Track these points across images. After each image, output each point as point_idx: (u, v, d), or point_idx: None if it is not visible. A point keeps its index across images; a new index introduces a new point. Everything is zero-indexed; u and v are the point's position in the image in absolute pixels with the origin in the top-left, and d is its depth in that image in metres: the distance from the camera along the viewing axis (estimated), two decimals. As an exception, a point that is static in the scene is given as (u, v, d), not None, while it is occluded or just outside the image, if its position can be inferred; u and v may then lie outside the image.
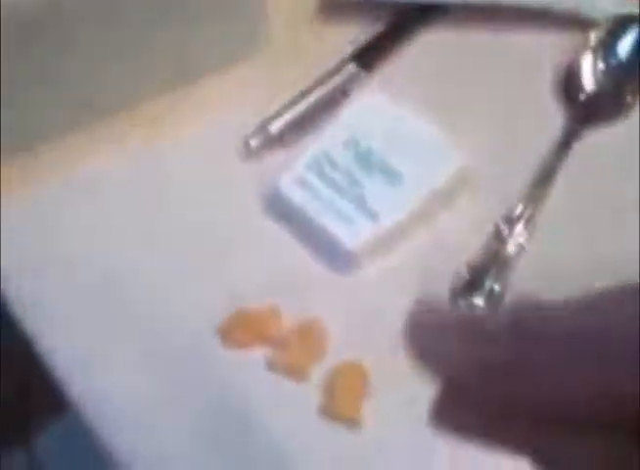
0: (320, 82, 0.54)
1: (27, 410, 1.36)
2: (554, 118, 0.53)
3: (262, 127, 0.52)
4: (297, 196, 0.50)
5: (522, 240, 0.49)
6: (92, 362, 0.47)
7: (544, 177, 0.51)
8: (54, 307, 0.48)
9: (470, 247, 0.49)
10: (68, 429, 1.36)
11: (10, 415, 1.36)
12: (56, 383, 0.46)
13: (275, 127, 0.52)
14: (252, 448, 0.44)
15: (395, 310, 0.48)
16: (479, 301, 0.47)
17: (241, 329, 0.46)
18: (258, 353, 0.46)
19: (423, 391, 0.45)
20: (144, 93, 0.53)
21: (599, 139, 0.52)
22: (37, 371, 0.47)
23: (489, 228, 0.49)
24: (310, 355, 0.46)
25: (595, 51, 0.54)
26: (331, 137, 0.52)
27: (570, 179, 0.51)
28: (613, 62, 0.54)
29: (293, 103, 0.53)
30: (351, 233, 0.49)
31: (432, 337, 0.19)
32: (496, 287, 0.47)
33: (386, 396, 0.45)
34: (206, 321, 0.47)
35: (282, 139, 0.52)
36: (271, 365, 0.45)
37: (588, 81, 0.54)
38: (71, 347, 0.47)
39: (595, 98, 0.54)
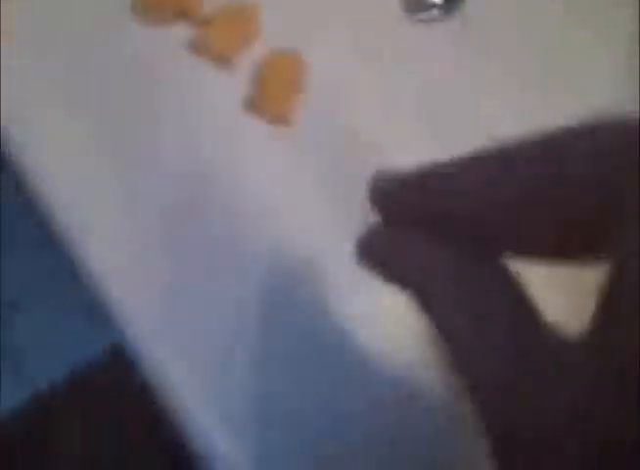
0: None
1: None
2: None
3: None
4: None
5: None
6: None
7: None
8: None
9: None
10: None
11: None
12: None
13: None
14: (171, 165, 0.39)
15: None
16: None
17: (159, 1, 0.39)
18: (180, 33, 0.39)
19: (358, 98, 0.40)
20: None
21: None
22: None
23: None
24: (238, 39, 0.39)
25: None
26: None
27: None
28: None
29: None
30: None
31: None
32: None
33: (319, 93, 0.39)
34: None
35: None
36: (193, 46, 0.39)
37: None
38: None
39: None
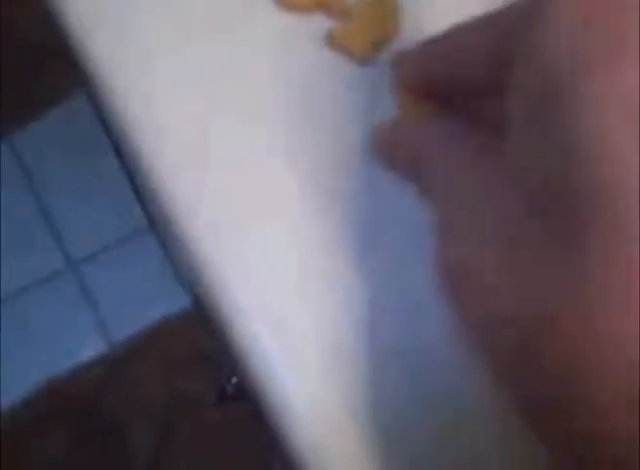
0: None
1: (11, 105, 1.31)
2: None
3: None
4: None
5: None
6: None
7: None
8: None
9: None
10: (52, 126, 1.33)
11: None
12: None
13: None
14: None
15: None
16: None
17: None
18: (319, 23, 0.37)
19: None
20: None
21: None
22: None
23: None
24: (377, 35, 0.37)
25: None
26: None
27: None
28: None
29: None
30: None
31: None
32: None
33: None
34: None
35: None
36: (330, 39, 0.37)
37: None
38: None
39: None
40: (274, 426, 0.35)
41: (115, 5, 0.38)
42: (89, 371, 1.24)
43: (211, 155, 0.36)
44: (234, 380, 0.68)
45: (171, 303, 1.23)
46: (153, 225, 1.01)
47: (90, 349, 1.26)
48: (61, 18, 0.39)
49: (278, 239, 0.35)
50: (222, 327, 0.36)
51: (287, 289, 0.35)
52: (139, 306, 1.27)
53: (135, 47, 0.38)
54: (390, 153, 0.27)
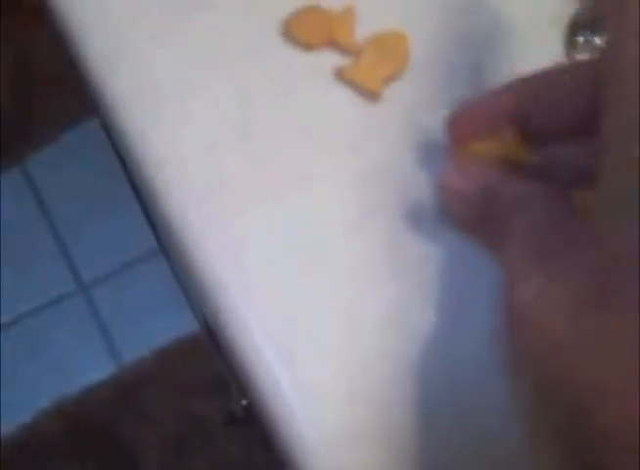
0: None
1: (25, 129, 1.33)
2: None
3: None
4: None
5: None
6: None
7: None
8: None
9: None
10: (64, 149, 1.35)
11: (7, 131, 1.33)
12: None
13: None
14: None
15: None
16: (599, 41, 0.39)
17: (308, 25, 0.38)
18: (328, 60, 0.38)
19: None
20: None
21: None
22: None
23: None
24: (386, 72, 0.38)
25: None
26: None
27: None
28: None
29: None
30: None
31: None
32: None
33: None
34: (270, 14, 0.39)
35: None
36: (340, 75, 0.38)
37: None
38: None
39: None
40: (282, 451, 0.36)
41: (135, 43, 0.40)
42: (99, 393, 1.25)
43: (221, 184, 0.37)
44: (244, 402, 0.69)
45: (182, 325, 1.24)
46: (163, 248, 1.02)
47: (100, 371, 1.27)
48: (80, 58, 0.40)
49: (288, 263, 0.36)
50: (231, 351, 0.37)
51: (298, 313, 0.36)
52: (149, 328, 1.28)
53: (149, 86, 0.39)
54: (457, 198, 0.27)
